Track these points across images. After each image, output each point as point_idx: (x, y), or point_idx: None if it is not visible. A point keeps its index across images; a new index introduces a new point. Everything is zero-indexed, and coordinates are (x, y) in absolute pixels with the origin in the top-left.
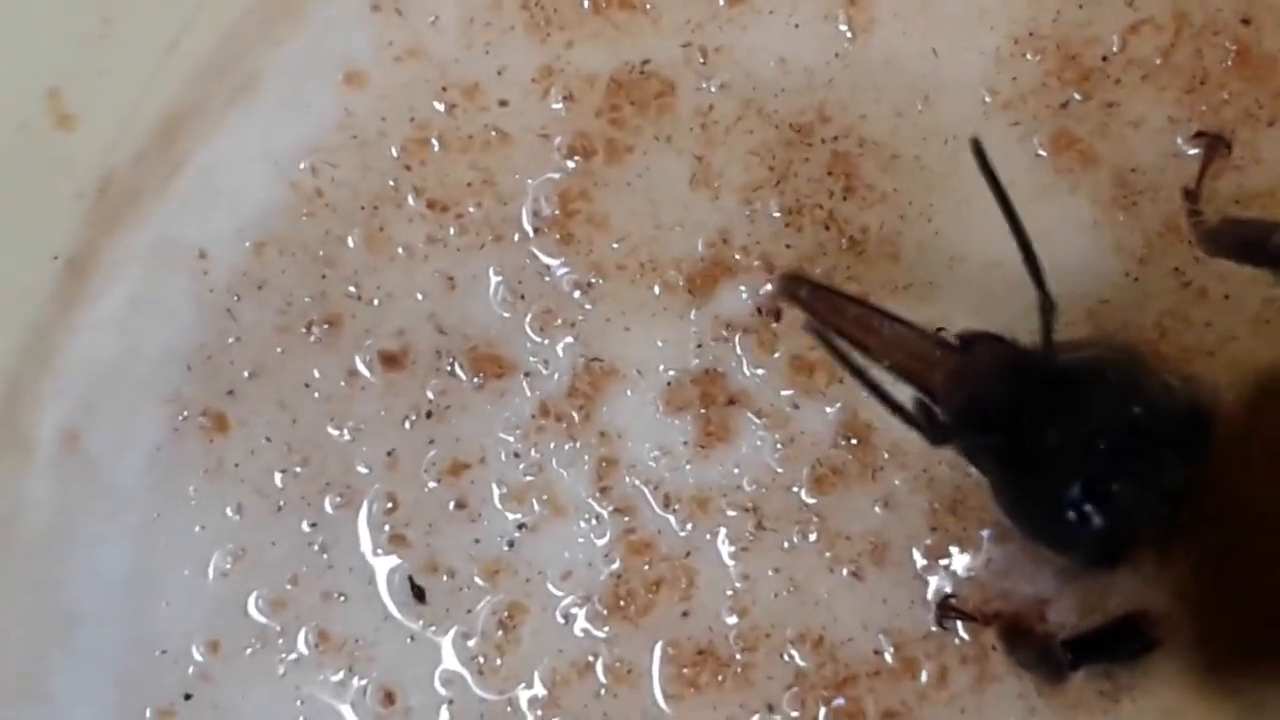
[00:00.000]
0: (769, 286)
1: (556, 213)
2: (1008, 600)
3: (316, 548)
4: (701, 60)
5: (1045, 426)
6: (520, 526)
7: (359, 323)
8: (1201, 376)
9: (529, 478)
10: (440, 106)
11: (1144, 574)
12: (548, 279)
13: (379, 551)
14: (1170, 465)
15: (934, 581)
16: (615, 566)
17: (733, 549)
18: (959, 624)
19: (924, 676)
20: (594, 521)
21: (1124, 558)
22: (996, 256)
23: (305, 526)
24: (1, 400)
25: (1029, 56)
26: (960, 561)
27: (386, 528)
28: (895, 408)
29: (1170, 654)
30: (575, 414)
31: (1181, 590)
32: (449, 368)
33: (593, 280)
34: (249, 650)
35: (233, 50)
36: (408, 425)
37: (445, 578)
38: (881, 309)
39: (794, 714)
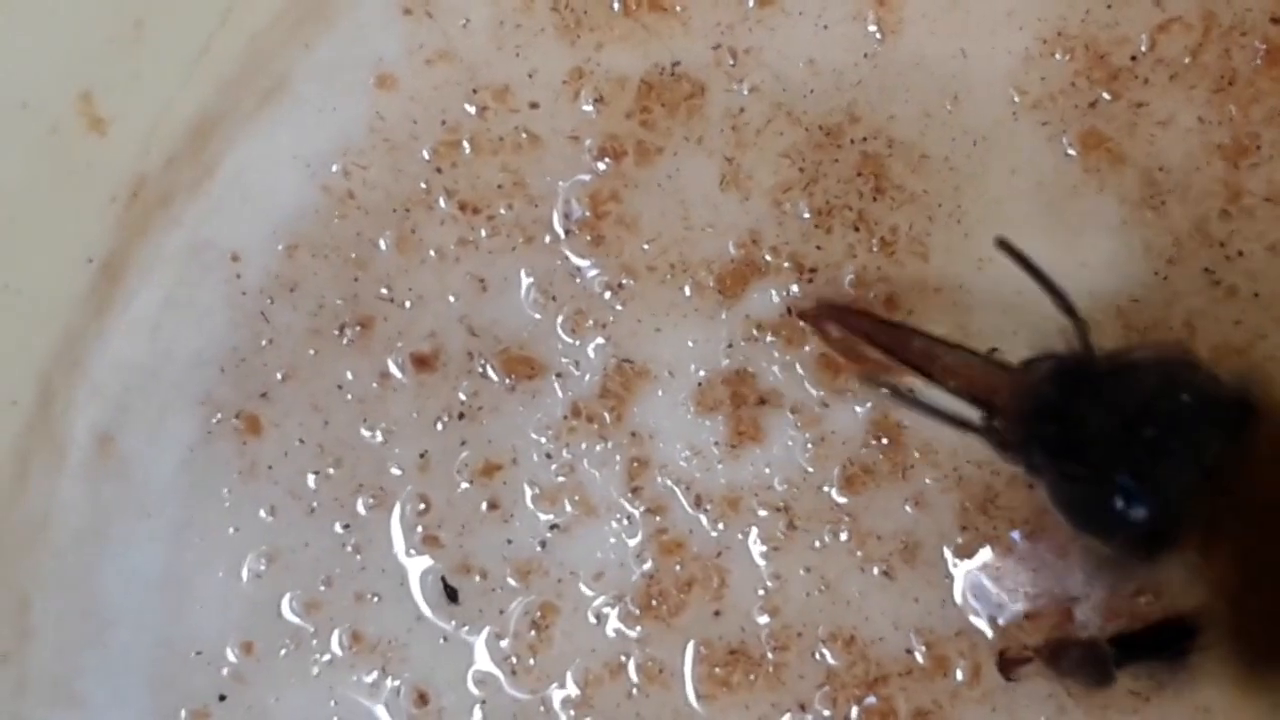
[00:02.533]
0: (807, 305)
1: (587, 214)
2: (1038, 598)
3: (349, 549)
4: (731, 62)
5: (1090, 412)
6: (552, 527)
7: (391, 325)
8: (1255, 374)
9: (561, 478)
10: (471, 109)
11: (1185, 569)
12: (579, 280)
13: (412, 552)
14: (1210, 442)
15: (965, 580)
16: (647, 566)
17: (764, 548)
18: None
19: (957, 675)
20: (626, 522)
21: (1170, 542)
22: None
23: (338, 528)
24: (35, 403)
25: (1058, 56)
26: (991, 560)
27: (419, 529)
28: (959, 423)
29: (1209, 649)
30: (607, 415)
31: (1221, 585)
32: (481, 369)
33: (623, 281)
34: (283, 651)
35: (264, 53)
36: (440, 427)
37: (478, 578)
38: (943, 339)
39: (826, 713)
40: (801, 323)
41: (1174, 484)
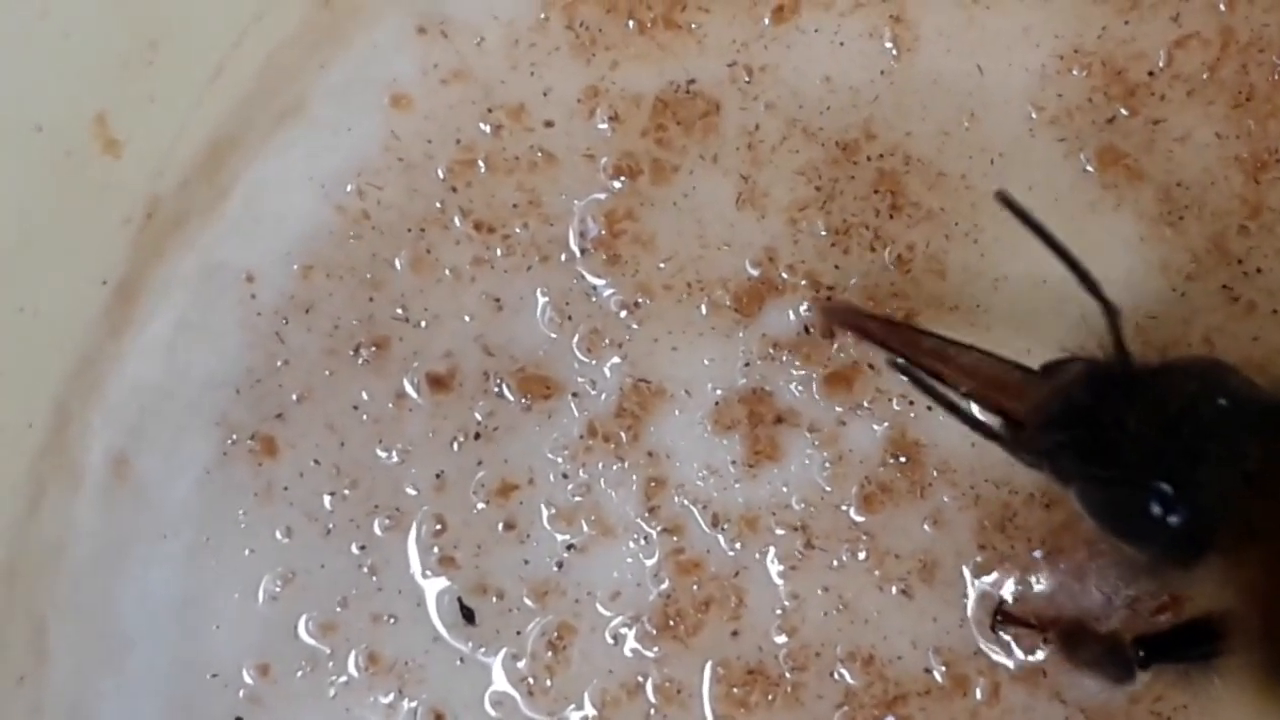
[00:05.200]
0: (815, 313)
1: (603, 233)
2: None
3: (366, 570)
4: (747, 79)
5: (1127, 414)
6: (569, 547)
7: (406, 345)
8: None
9: (577, 498)
10: (486, 128)
11: (1216, 574)
12: (594, 299)
13: (428, 573)
14: (1249, 448)
15: (984, 599)
16: (664, 586)
17: (782, 568)
18: (1015, 632)
19: (976, 694)
20: (643, 541)
21: (1207, 547)
22: (1041, 275)
23: (354, 549)
24: (51, 426)
25: (1074, 72)
26: (1009, 579)
27: (435, 549)
28: (977, 426)
29: (1236, 652)
30: (623, 434)
31: (1251, 591)
32: (496, 389)
33: (639, 300)
34: (299, 673)
35: (278, 75)
36: (456, 447)
37: (494, 599)
38: (957, 340)
39: None
40: (824, 324)
41: (1212, 490)
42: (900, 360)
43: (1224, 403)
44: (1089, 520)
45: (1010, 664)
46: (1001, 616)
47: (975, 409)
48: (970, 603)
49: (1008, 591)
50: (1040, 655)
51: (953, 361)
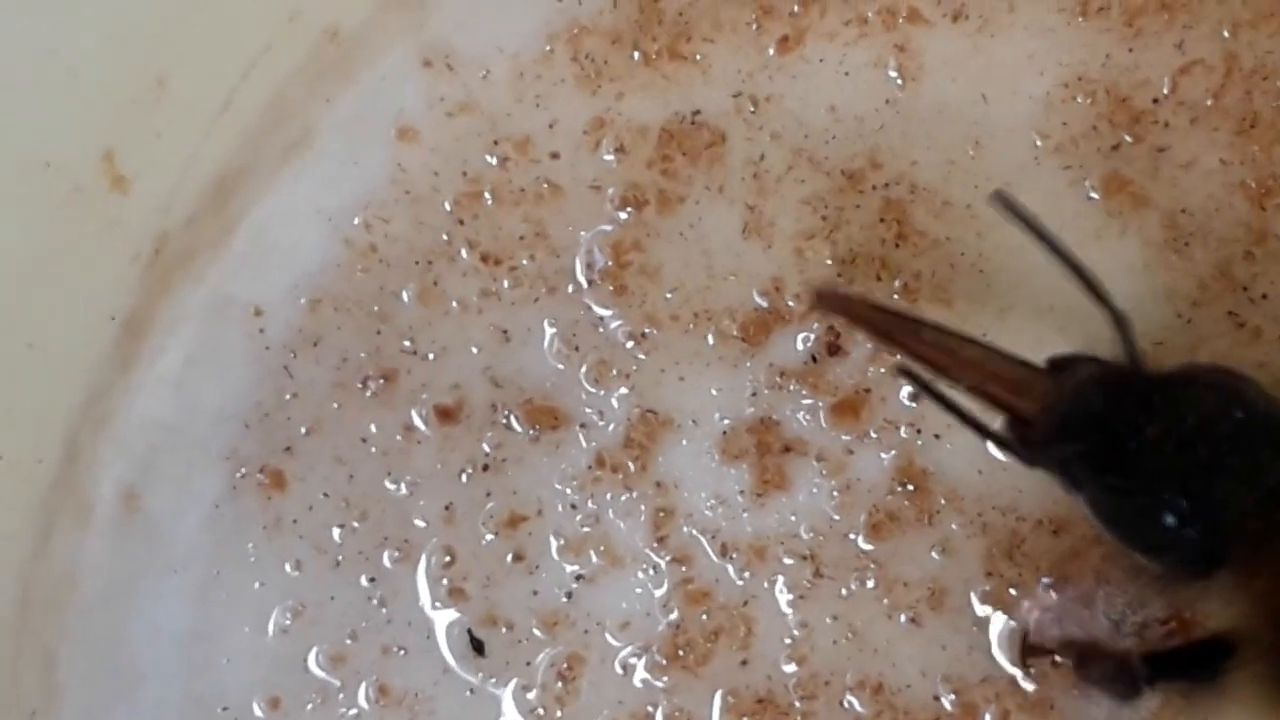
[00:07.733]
0: (807, 294)
1: (609, 264)
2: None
3: (375, 602)
4: (752, 109)
5: (1144, 425)
6: (578, 578)
7: (414, 377)
8: None
9: (586, 529)
10: (492, 160)
11: (1226, 587)
12: (602, 330)
13: (438, 605)
14: (1269, 465)
15: (992, 627)
16: (673, 616)
17: (791, 597)
18: (1040, 664)
19: None
20: (651, 571)
21: (1221, 561)
22: (1048, 304)
23: (364, 581)
24: (61, 461)
25: (1079, 100)
26: (1017, 607)
27: (445, 581)
28: (983, 430)
29: (1245, 665)
30: (631, 464)
31: (1261, 603)
32: (504, 420)
33: (646, 331)
34: (310, 706)
35: (285, 108)
36: (464, 478)
37: (504, 630)
38: (958, 332)
39: None
40: (816, 309)
41: (1229, 505)
42: (898, 357)
43: (1241, 416)
44: (1098, 528)
45: (1030, 688)
46: (1029, 652)
47: (975, 407)
48: (979, 630)
49: (1016, 619)
50: (1035, 685)
51: (954, 354)
